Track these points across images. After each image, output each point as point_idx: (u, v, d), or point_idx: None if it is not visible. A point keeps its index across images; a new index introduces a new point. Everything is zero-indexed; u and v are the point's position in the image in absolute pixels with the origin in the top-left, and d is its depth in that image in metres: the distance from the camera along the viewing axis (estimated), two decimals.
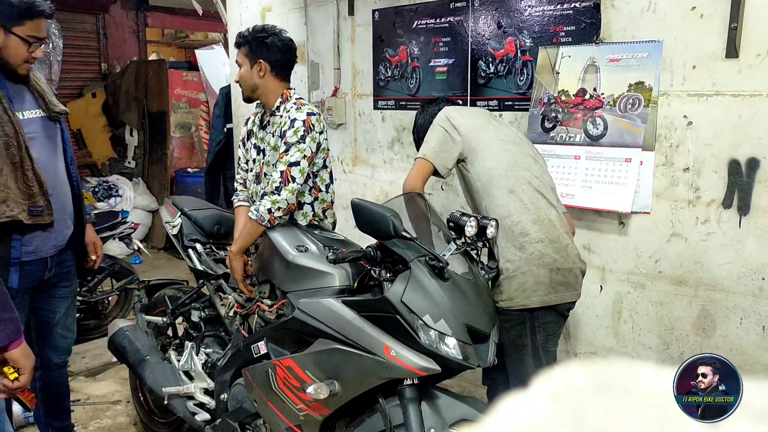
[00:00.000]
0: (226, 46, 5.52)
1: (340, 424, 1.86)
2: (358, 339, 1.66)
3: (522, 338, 1.99)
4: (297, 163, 2.18)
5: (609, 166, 2.39)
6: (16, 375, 1.31)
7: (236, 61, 2.38)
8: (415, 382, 1.65)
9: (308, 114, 2.24)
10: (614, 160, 2.38)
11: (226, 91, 5.02)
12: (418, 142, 2.35)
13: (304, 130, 2.20)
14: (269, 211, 2.14)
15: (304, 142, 2.20)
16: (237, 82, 2.40)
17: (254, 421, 2.14)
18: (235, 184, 2.56)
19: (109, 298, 4.12)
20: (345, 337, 1.68)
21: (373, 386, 1.67)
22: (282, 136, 2.24)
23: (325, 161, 2.36)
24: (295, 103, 2.31)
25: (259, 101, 2.39)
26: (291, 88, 2.37)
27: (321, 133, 2.27)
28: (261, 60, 2.29)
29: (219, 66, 6.72)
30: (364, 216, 1.67)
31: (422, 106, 2.40)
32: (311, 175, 2.32)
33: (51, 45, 5.59)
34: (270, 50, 2.30)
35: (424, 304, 1.60)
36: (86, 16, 6.73)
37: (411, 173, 2.07)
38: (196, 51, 7.20)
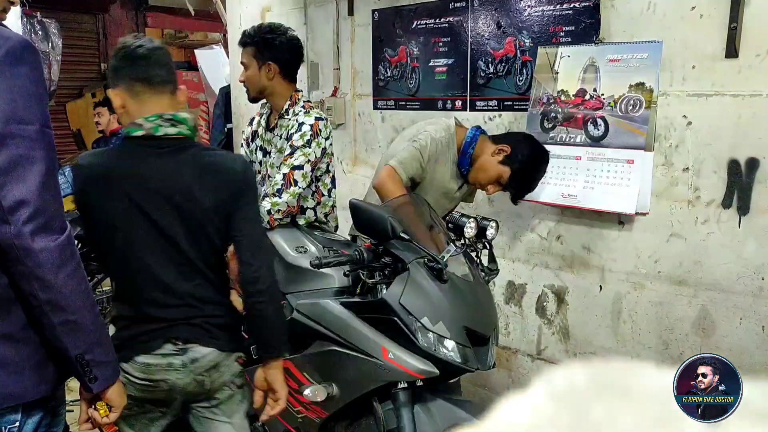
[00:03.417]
0: (225, 46, 5.50)
1: (338, 426, 1.85)
2: (355, 341, 1.65)
3: None
4: (300, 167, 2.18)
5: (611, 167, 2.38)
6: (107, 412, 1.33)
7: (242, 62, 2.30)
8: (418, 383, 1.64)
9: (316, 118, 2.24)
10: (616, 162, 2.37)
11: (225, 91, 5.01)
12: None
13: (311, 135, 2.20)
14: (269, 212, 2.14)
15: (310, 147, 2.20)
16: (242, 82, 2.33)
17: (253, 423, 2.13)
18: None
19: (109, 298, 4.11)
20: (343, 339, 1.67)
21: (371, 389, 1.66)
22: (288, 138, 2.24)
23: (328, 166, 2.35)
24: (303, 107, 2.30)
25: (265, 101, 2.38)
26: (299, 90, 2.36)
27: (327, 138, 2.27)
28: (270, 62, 2.24)
29: (219, 66, 6.70)
30: (363, 217, 1.67)
31: (530, 150, 2.19)
32: (314, 180, 2.31)
33: (51, 45, 5.59)
34: (279, 51, 2.25)
35: (422, 306, 1.59)
36: (86, 16, 6.73)
37: None
38: (196, 51, 7.19)
